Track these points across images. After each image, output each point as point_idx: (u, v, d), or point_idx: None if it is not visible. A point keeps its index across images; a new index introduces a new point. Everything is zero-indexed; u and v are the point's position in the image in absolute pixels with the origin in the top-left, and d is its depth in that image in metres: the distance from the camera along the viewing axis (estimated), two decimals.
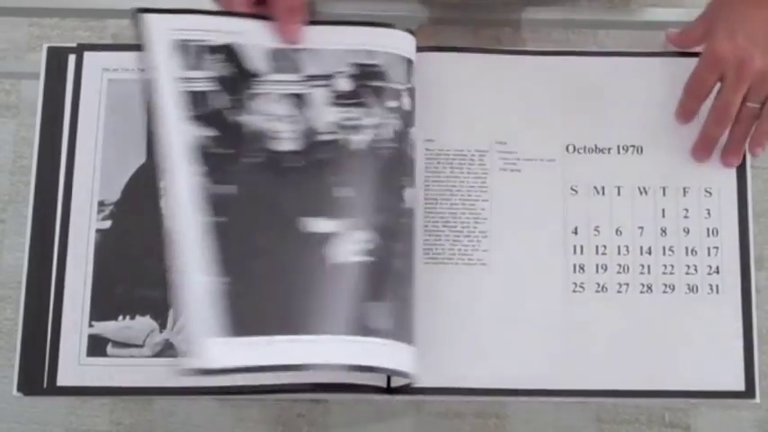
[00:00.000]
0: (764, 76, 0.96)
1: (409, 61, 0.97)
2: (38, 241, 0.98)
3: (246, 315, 0.89)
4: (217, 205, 0.91)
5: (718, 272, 0.97)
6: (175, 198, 0.90)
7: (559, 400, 0.96)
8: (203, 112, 0.94)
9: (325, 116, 0.95)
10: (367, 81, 0.96)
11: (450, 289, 0.97)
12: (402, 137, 0.95)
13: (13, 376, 0.96)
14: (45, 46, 1.03)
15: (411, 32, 0.99)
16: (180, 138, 0.92)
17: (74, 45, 1.02)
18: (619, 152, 1.01)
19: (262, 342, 0.88)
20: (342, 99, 0.96)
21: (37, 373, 0.95)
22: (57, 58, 1.02)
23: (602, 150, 1.01)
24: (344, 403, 0.98)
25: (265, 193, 0.93)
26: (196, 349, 0.86)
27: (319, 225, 0.92)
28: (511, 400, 0.94)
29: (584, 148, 1.01)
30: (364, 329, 0.89)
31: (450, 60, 1.02)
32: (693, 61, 1.00)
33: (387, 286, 0.91)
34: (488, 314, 0.96)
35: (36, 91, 1.02)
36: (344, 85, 0.96)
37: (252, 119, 0.94)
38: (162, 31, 0.95)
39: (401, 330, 0.90)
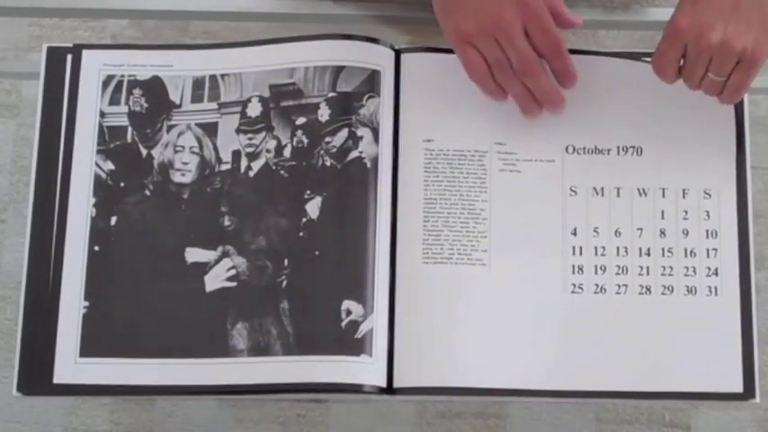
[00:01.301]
0: (724, 49, 0.91)
1: (338, 68, 1.00)
2: (38, 241, 0.98)
3: (97, 338, 0.96)
4: (96, 235, 0.98)
5: (717, 273, 0.97)
6: (70, 225, 0.98)
7: (559, 401, 0.96)
8: (111, 146, 1.00)
9: (229, 144, 1.00)
10: (278, 102, 1.00)
11: (449, 289, 0.97)
12: (309, 150, 0.98)
13: (13, 376, 0.96)
14: (45, 46, 1.03)
15: (357, 37, 1.01)
16: (86, 170, 0.99)
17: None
18: (618, 153, 1.00)
19: (108, 363, 0.95)
20: (248, 125, 1.00)
21: (36, 373, 0.95)
22: (56, 58, 1.03)
23: (601, 151, 1.01)
24: (344, 403, 0.98)
25: (147, 225, 0.98)
26: (49, 366, 0.95)
27: (200, 255, 0.97)
28: (510, 401, 0.94)
29: (584, 149, 1.00)
30: (224, 351, 0.95)
31: (450, 61, 1.01)
32: None
33: (255, 307, 0.96)
34: (487, 314, 0.96)
35: (36, 91, 1.02)
36: (253, 110, 0.99)
37: (157, 152, 1.00)
38: (94, 66, 1.02)
39: (267, 345, 0.95)
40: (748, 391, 0.95)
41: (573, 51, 1.03)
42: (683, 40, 0.93)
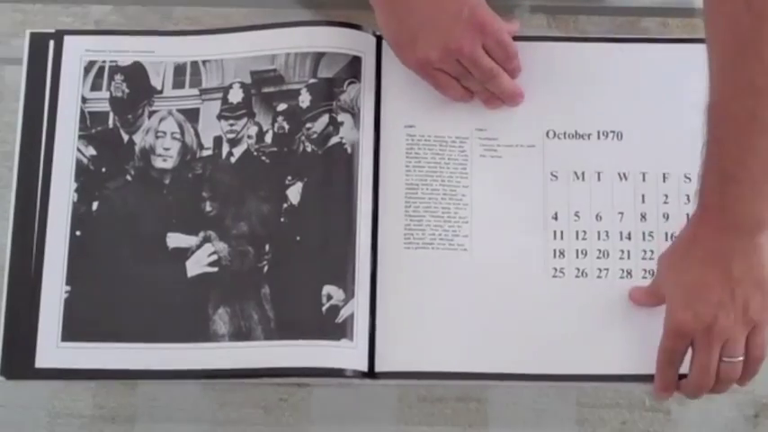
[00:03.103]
0: (733, 334, 0.89)
1: (319, 55, 1.00)
2: (20, 226, 0.99)
3: (79, 322, 0.96)
4: (77, 220, 0.98)
5: None
6: (51, 210, 0.98)
7: (540, 385, 0.97)
8: (93, 131, 1.00)
9: (211, 130, 1.00)
10: (259, 88, 1.00)
11: (430, 274, 0.97)
12: (290, 136, 0.99)
13: None
14: (28, 32, 1.03)
15: (338, 24, 1.02)
16: (67, 155, 0.99)
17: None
18: (599, 138, 1.01)
19: (89, 348, 0.95)
20: (229, 111, 1.00)
21: (19, 357, 0.96)
22: (39, 44, 1.03)
23: (582, 136, 1.01)
24: (326, 387, 0.98)
25: (129, 210, 0.98)
26: (31, 350, 0.95)
27: (182, 240, 0.97)
28: (491, 385, 0.95)
29: (564, 133, 1.01)
30: (206, 335, 0.95)
31: None
32: (672, 47, 1.00)
33: (236, 292, 0.96)
34: (469, 299, 0.97)
35: (19, 76, 1.02)
36: (234, 96, 0.99)
37: (138, 137, 1.00)
38: (76, 52, 1.02)
39: (248, 330, 0.95)
40: None
41: (554, 38, 1.04)
42: (689, 336, 0.91)
